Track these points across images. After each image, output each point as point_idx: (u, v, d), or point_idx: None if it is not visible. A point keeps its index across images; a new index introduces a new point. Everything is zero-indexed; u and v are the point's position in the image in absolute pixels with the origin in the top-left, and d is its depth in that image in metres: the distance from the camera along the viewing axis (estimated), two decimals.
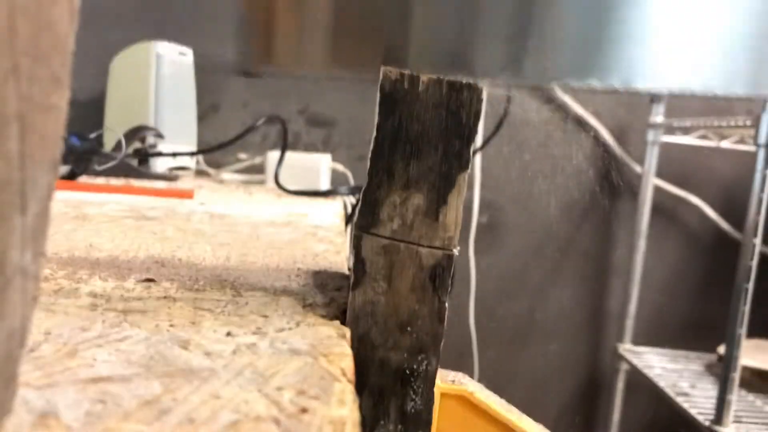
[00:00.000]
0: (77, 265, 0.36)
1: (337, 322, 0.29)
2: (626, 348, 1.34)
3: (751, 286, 0.95)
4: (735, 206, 1.36)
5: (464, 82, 0.29)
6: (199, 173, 1.17)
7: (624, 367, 1.36)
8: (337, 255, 0.46)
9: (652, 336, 1.41)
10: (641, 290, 1.35)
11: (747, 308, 0.96)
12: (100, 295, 0.31)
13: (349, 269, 0.37)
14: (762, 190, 0.93)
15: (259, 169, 1.15)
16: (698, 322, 1.42)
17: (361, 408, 0.24)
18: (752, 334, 1.06)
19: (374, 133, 0.30)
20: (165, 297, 0.31)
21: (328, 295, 0.34)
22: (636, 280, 1.34)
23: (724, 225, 1.38)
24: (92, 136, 0.89)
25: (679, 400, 1.10)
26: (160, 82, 1.04)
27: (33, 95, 0.16)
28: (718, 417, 0.97)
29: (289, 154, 1.00)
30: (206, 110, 1.28)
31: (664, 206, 1.39)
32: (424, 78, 0.29)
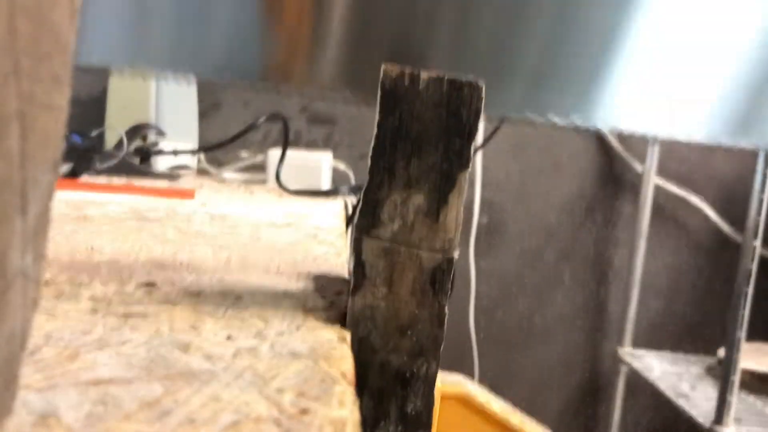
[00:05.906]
0: (78, 268, 0.36)
1: (337, 326, 0.29)
2: (626, 351, 1.34)
3: (751, 289, 0.95)
4: (735, 207, 1.36)
5: (464, 79, 0.29)
6: (201, 172, 1.17)
7: (624, 369, 1.36)
8: (338, 257, 0.46)
9: (652, 339, 1.41)
10: (641, 293, 1.35)
11: (747, 311, 0.96)
12: (101, 299, 0.31)
13: (349, 272, 0.37)
14: (762, 191, 0.93)
15: (261, 168, 1.15)
16: (698, 324, 1.42)
17: (361, 409, 0.24)
18: (752, 336, 1.06)
19: (375, 131, 0.30)
20: (166, 301, 0.31)
21: (329, 298, 0.34)
22: (636, 283, 1.34)
23: (725, 227, 1.38)
24: (94, 134, 0.89)
25: (680, 402, 1.10)
26: (161, 79, 1.04)
27: (34, 94, 0.16)
28: (719, 418, 0.97)
29: (291, 152, 1.00)
30: (207, 108, 1.28)
31: (664, 208, 1.38)
32: (424, 75, 0.29)
